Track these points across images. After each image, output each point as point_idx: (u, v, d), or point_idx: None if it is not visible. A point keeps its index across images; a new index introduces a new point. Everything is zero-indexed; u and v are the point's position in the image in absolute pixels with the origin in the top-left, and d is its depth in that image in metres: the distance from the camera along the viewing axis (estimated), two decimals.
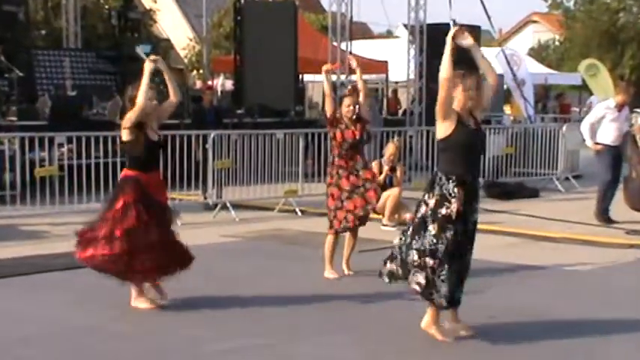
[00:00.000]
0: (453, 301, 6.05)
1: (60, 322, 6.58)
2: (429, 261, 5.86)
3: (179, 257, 6.96)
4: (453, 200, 5.83)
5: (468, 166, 5.93)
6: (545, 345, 6.08)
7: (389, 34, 42.71)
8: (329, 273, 8.19)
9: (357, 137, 8.09)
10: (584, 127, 11.56)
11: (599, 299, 7.57)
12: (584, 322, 6.73)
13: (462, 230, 5.90)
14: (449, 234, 5.84)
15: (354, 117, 8.15)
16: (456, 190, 5.84)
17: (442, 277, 5.86)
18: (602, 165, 11.54)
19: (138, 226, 6.63)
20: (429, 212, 5.90)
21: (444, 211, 5.85)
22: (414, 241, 5.96)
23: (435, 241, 5.85)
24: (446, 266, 5.85)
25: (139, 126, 6.81)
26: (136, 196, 6.70)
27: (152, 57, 7.13)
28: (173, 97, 7.10)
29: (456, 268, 5.93)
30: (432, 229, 5.87)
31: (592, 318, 6.84)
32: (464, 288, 6.12)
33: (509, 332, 6.38)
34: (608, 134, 11.35)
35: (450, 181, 5.87)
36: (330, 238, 8.19)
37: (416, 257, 5.93)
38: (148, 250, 6.65)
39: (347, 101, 8.22)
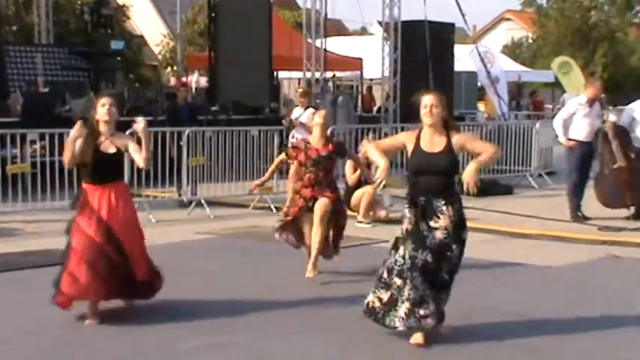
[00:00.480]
0: (442, 315, 6.00)
1: (32, 321, 6.50)
2: (397, 280, 5.94)
3: (127, 285, 6.45)
4: (405, 221, 5.97)
5: (419, 189, 5.96)
6: (519, 342, 6.09)
7: (363, 31, 42.78)
8: (309, 273, 8.01)
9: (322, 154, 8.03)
10: (557, 123, 11.63)
11: (573, 295, 7.62)
12: (558, 318, 6.74)
13: (417, 248, 5.86)
14: (407, 253, 5.88)
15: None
16: (406, 211, 5.98)
17: (403, 298, 5.86)
18: (572, 161, 11.61)
19: (77, 243, 6.35)
20: (400, 233, 6.03)
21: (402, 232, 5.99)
22: (388, 259, 6.07)
23: (402, 261, 5.93)
24: (408, 286, 5.84)
25: (89, 137, 6.43)
26: (80, 212, 6.39)
27: (138, 121, 6.58)
28: (141, 162, 6.57)
29: (429, 282, 5.87)
30: (402, 249, 5.97)
31: (567, 314, 6.86)
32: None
33: (483, 330, 6.39)
34: (580, 130, 11.41)
35: (406, 202, 6.02)
36: None
37: (385, 275, 6.03)
38: (79, 268, 6.28)
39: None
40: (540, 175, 15.95)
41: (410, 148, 6.04)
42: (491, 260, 8.91)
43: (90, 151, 6.42)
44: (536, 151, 16.05)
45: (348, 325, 6.42)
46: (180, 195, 12.58)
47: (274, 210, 12.31)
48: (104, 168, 6.44)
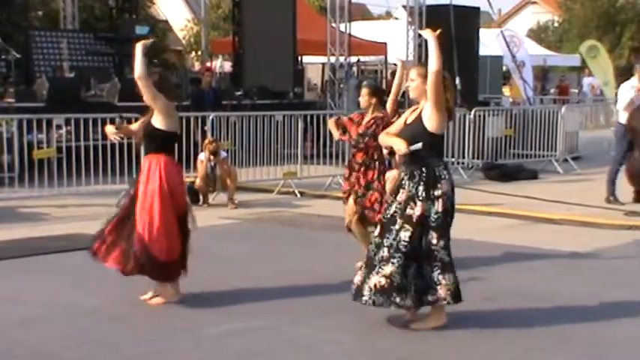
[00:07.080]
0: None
1: (59, 305, 6.56)
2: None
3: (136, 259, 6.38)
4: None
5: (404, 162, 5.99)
6: (544, 327, 6.06)
7: (388, 16, 42.58)
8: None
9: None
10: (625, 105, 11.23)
11: (598, 280, 7.57)
12: (584, 304, 6.70)
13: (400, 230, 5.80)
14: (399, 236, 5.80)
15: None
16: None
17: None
18: (618, 146, 11.41)
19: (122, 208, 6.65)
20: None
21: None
22: (384, 240, 5.86)
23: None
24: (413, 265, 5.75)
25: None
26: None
27: None
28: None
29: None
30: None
31: (592, 300, 6.81)
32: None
33: (507, 314, 6.36)
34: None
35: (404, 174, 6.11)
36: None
37: (386, 253, 5.81)
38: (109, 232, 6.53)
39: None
40: (566, 160, 15.85)
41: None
42: (516, 245, 8.87)
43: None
44: (562, 135, 15.94)
45: (378, 309, 6.40)
46: None
47: (298, 195, 12.33)
48: (144, 139, 6.77)
